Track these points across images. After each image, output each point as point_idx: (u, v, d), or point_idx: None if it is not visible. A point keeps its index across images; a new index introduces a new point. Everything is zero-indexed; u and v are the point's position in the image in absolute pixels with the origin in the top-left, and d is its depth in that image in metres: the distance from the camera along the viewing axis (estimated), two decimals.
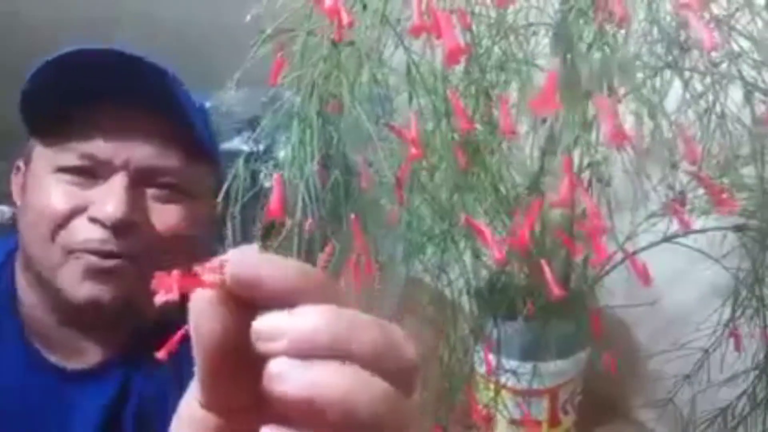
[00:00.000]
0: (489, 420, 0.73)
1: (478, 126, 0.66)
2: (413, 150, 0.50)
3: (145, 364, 0.70)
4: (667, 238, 0.81)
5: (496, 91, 0.63)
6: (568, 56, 0.57)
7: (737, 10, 0.55)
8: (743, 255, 0.81)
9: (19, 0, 1.38)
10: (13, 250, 0.70)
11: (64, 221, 0.62)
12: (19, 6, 1.38)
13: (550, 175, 0.65)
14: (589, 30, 0.51)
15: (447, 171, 0.65)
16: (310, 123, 0.62)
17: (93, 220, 0.62)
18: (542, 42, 0.65)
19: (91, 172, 0.63)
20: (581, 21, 0.54)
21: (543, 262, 0.58)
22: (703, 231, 0.81)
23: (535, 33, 0.63)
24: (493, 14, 0.59)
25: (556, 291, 0.54)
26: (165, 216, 0.65)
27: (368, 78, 0.57)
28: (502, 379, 0.80)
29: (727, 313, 0.84)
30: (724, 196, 0.49)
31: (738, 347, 0.83)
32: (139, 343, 0.71)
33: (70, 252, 0.62)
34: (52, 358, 0.69)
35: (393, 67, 0.61)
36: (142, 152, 0.63)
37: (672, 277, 0.93)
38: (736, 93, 0.54)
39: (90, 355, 0.70)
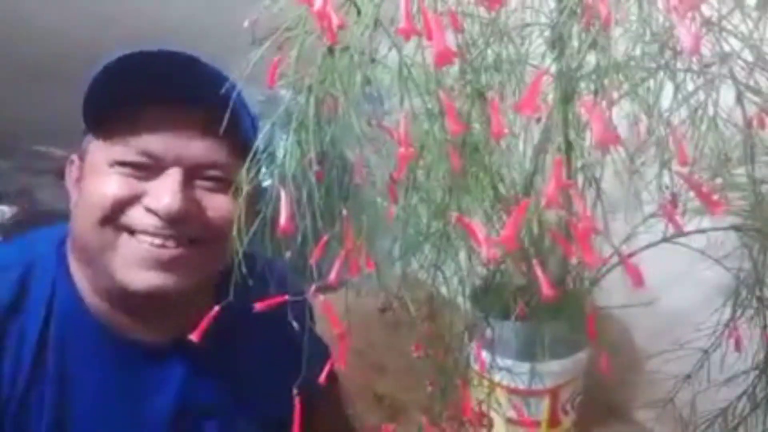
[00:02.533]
0: (482, 418, 0.73)
1: (475, 126, 0.66)
2: (402, 150, 0.51)
3: (200, 352, 0.73)
4: (667, 239, 0.80)
5: (490, 92, 0.63)
6: (562, 57, 0.57)
7: (731, 11, 0.54)
8: (744, 255, 0.81)
9: (24, 4, 1.39)
10: (62, 242, 0.75)
11: (120, 207, 0.67)
12: (24, 11, 1.39)
13: (543, 175, 0.65)
14: (580, 31, 0.51)
15: (442, 171, 0.66)
16: (306, 123, 0.62)
17: (149, 210, 0.67)
18: (536, 42, 0.65)
19: (147, 167, 0.68)
20: (573, 21, 0.54)
21: (535, 262, 0.58)
22: (703, 231, 0.80)
23: (526, 36, 0.63)
24: (486, 15, 0.59)
25: (548, 291, 0.55)
26: (216, 205, 0.70)
27: (361, 79, 0.57)
28: (497, 378, 0.80)
29: (727, 313, 0.83)
30: (714, 197, 0.49)
31: (738, 347, 0.82)
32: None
33: (129, 232, 0.67)
34: (124, 334, 0.73)
35: (387, 67, 0.62)
36: (193, 148, 0.68)
37: (672, 278, 0.92)
38: (727, 94, 0.54)
39: (151, 336, 0.74)
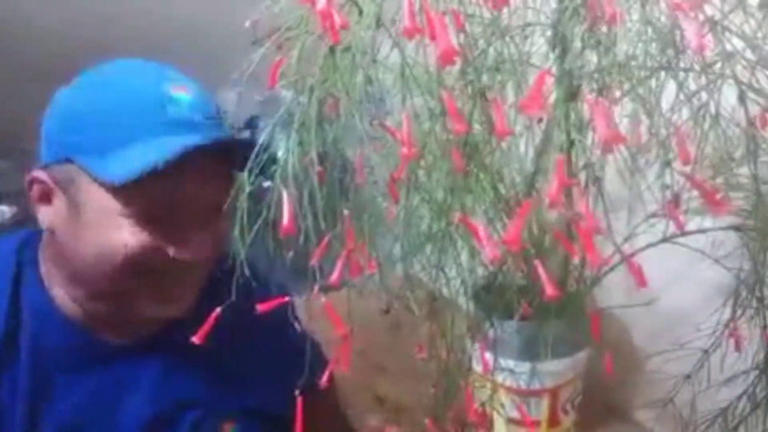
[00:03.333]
0: (485, 419, 0.73)
1: (476, 126, 0.66)
2: (405, 150, 0.51)
3: (176, 348, 0.75)
4: (667, 238, 0.80)
5: (492, 92, 0.63)
6: (563, 56, 0.57)
7: (731, 11, 0.54)
8: (744, 255, 0.81)
9: (24, 4, 1.38)
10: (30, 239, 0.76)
11: (143, 259, 0.68)
12: (24, 11, 1.38)
13: (545, 175, 0.65)
14: (582, 30, 0.51)
15: (444, 171, 0.65)
16: (309, 124, 0.62)
17: (176, 258, 0.68)
18: (538, 42, 0.65)
19: (165, 217, 0.68)
20: (576, 21, 0.54)
21: (538, 262, 0.58)
22: (703, 231, 0.80)
23: (528, 36, 0.63)
24: (487, 14, 0.59)
25: (551, 291, 0.55)
26: (216, 230, 0.71)
27: (363, 79, 0.57)
28: (500, 379, 0.80)
29: (727, 313, 0.83)
30: (718, 197, 0.49)
31: (738, 347, 0.82)
32: (176, 330, 0.75)
33: (148, 271, 0.68)
34: (97, 335, 0.74)
35: (388, 67, 0.61)
36: (209, 192, 0.69)
37: (672, 278, 0.92)
38: (729, 93, 0.54)
39: (125, 336, 0.75)
